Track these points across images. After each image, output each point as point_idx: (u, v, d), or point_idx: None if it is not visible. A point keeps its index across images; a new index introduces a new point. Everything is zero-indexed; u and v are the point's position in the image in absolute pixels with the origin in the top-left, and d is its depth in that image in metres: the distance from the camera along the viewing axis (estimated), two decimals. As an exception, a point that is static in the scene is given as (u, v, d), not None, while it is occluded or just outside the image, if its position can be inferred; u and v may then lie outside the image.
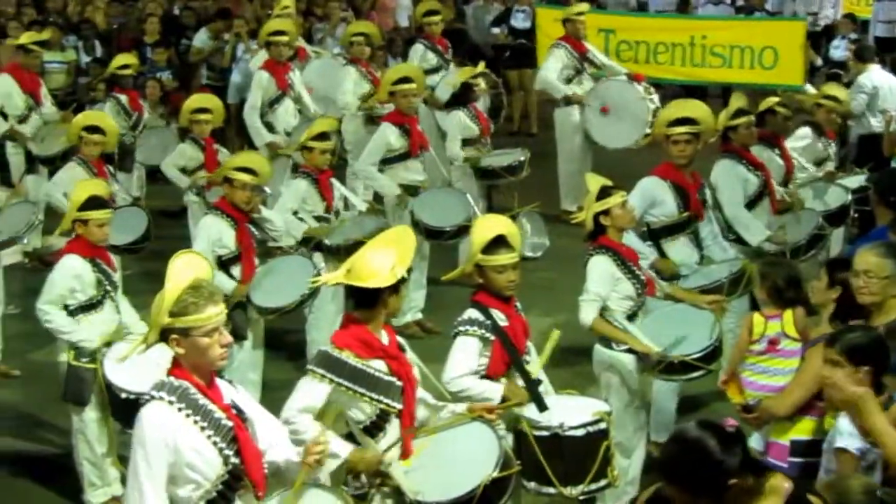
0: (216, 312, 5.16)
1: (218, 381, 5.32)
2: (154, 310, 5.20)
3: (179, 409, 5.10)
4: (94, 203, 8.41)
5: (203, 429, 5.12)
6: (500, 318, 6.90)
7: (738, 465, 4.55)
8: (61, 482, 8.76)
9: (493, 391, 6.77)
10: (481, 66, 13.40)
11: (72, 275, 8.30)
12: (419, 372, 6.46)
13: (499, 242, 6.88)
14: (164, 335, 5.19)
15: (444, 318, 9.91)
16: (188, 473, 5.11)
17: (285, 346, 10.66)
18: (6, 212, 10.76)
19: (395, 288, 6.05)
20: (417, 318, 11.29)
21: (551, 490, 6.75)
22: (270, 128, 13.36)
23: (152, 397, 5.16)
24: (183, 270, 5.22)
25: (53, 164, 12.57)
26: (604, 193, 7.95)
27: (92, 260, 8.36)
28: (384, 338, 6.17)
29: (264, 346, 9.82)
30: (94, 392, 8.24)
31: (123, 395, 7.74)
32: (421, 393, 6.45)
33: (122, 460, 8.21)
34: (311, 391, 6.06)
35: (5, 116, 13.27)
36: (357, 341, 6.09)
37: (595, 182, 8.02)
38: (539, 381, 6.99)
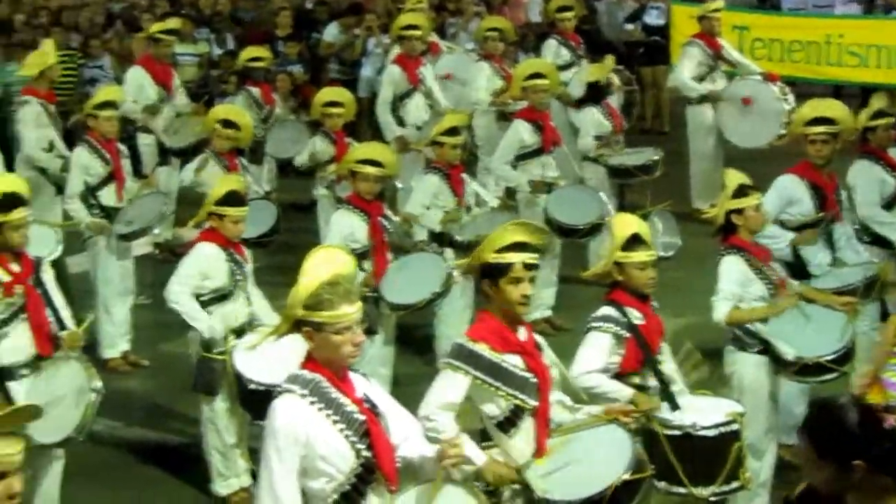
0: (350, 311, 5.14)
1: (351, 374, 5.31)
2: (289, 301, 5.20)
3: (312, 403, 5.11)
4: (231, 199, 8.46)
5: (335, 422, 5.12)
6: (636, 316, 6.85)
7: (874, 454, 4.44)
8: (190, 472, 8.86)
9: (623, 393, 6.72)
10: (612, 62, 13.31)
11: (205, 260, 8.38)
12: (558, 373, 6.42)
13: (637, 240, 6.84)
14: (298, 327, 5.21)
15: (575, 315, 9.86)
16: (321, 466, 5.11)
17: (415, 342, 10.66)
18: (138, 202, 10.89)
19: (517, 279, 5.99)
20: (547, 315, 11.24)
21: (681, 490, 6.70)
22: (401, 122, 13.42)
23: (285, 390, 5.16)
24: (322, 264, 5.22)
25: (185, 155, 12.71)
26: (740, 192, 7.85)
27: (225, 249, 8.44)
28: (521, 334, 6.14)
29: (395, 341, 9.88)
30: (224, 383, 8.32)
31: (252, 387, 7.79)
32: (558, 395, 6.40)
33: (252, 452, 8.30)
34: (451, 386, 6.01)
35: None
36: (493, 335, 6.03)
37: (734, 178, 7.92)
38: (672, 380, 6.94)
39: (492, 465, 5.93)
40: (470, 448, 5.84)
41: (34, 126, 12.44)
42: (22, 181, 8.11)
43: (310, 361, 5.21)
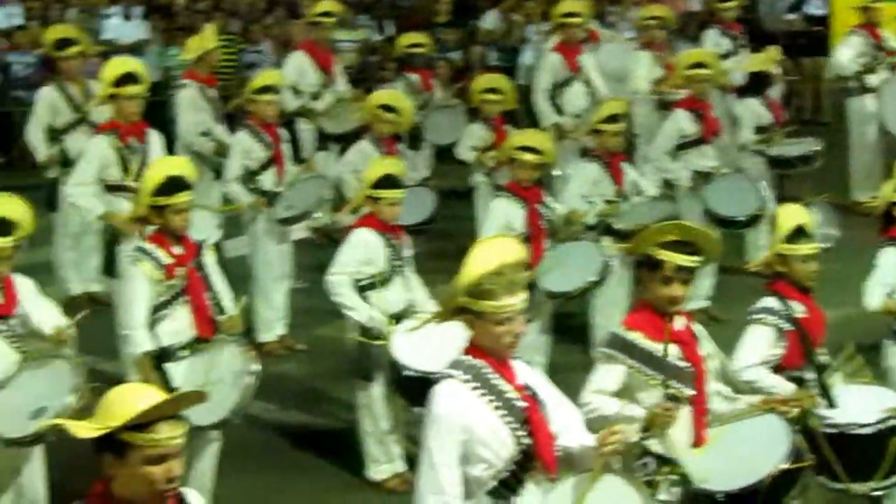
0: (512, 303, 5.10)
1: (514, 361, 5.28)
2: (452, 287, 5.20)
3: (474, 388, 5.09)
4: (387, 182, 8.48)
5: (497, 408, 5.09)
6: (799, 309, 6.76)
7: None
8: (345, 457, 8.89)
9: (784, 387, 6.61)
10: (776, 53, 13.11)
11: (364, 247, 8.40)
12: (718, 363, 6.34)
13: (801, 232, 6.74)
14: (459, 314, 5.19)
15: (732, 306, 9.72)
16: (480, 452, 5.09)
17: (570, 330, 10.61)
18: (298, 187, 10.99)
19: (668, 278, 5.92)
20: (704, 305, 11.11)
21: (839, 486, 6.62)
22: (559, 110, 13.35)
23: (447, 376, 5.16)
24: (491, 253, 5.18)
25: (345, 141, 12.78)
26: (904, 184, 7.73)
27: (382, 234, 8.47)
28: (678, 323, 6.06)
29: (551, 330, 9.83)
30: (381, 369, 8.35)
31: (408, 373, 7.82)
32: (717, 385, 6.32)
33: (408, 438, 8.35)
34: (607, 374, 6.02)
35: (298, 93, 13.56)
36: (648, 324, 6.00)
37: None
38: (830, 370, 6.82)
39: (656, 409, 5.92)
40: (629, 407, 5.94)
41: (191, 110, 12.61)
42: (189, 165, 8.20)
43: (472, 348, 5.20)
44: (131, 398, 4.31)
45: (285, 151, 11.29)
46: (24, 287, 7.11)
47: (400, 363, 7.89)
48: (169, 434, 4.29)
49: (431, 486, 5.09)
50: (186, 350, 7.62)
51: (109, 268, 9.68)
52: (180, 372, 7.52)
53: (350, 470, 8.79)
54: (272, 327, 11.10)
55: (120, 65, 10.08)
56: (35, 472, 7.04)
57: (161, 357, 7.56)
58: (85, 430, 4.33)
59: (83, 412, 6.04)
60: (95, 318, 11.15)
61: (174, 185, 7.64)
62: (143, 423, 4.24)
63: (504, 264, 5.14)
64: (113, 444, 4.26)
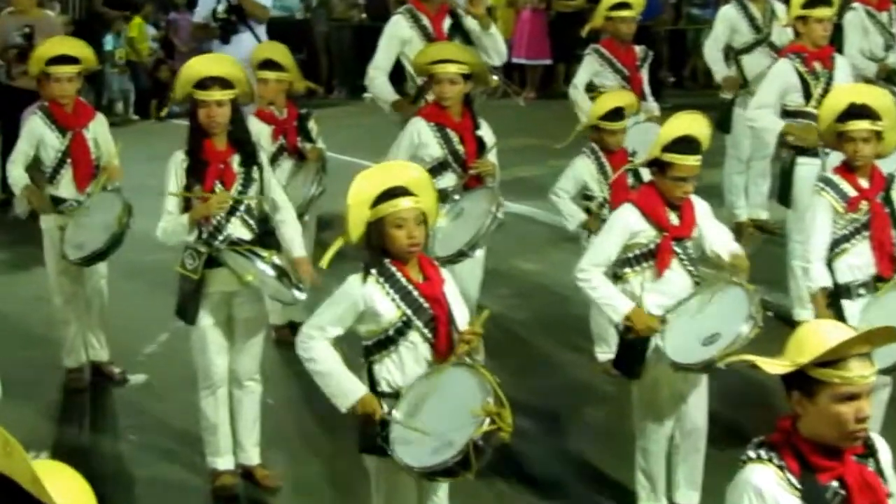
0: None
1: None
2: None
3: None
4: None
5: None
6: None
7: None
8: None
9: None
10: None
11: None
12: None
13: None
14: None
15: None
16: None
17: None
18: None
19: None
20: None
21: None
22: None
23: None
24: None
25: None
26: None
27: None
28: None
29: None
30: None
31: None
32: None
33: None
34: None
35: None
36: None
37: None
38: None
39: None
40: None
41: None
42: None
43: None
44: (823, 333, 4.22)
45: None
46: (701, 209, 7.16)
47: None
48: (860, 372, 4.17)
49: None
50: (864, 288, 7.41)
51: (784, 196, 9.59)
52: (856, 310, 7.32)
53: None
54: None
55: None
56: (699, 401, 7.09)
57: (837, 293, 7.39)
58: (772, 365, 4.29)
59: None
60: (761, 246, 11.30)
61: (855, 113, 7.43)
62: (833, 359, 4.13)
63: None
64: (802, 380, 4.19)
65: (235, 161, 7.35)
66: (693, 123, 6.98)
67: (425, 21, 9.66)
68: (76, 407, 8.98)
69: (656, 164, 6.91)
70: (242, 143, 7.40)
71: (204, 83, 7.16)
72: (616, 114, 8.91)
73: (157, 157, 8.20)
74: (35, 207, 8.99)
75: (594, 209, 8.89)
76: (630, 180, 8.67)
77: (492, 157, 8.58)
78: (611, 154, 8.90)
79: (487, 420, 5.46)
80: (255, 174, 7.38)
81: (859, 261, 7.39)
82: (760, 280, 9.09)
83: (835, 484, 4.23)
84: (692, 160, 6.82)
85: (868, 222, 7.39)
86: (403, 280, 5.78)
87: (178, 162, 7.28)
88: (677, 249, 6.92)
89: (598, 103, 9.06)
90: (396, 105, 9.66)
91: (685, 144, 6.81)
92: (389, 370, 5.84)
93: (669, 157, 6.80)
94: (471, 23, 9.69)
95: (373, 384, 5.86)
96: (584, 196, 9.00)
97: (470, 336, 5.80)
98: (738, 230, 10.97)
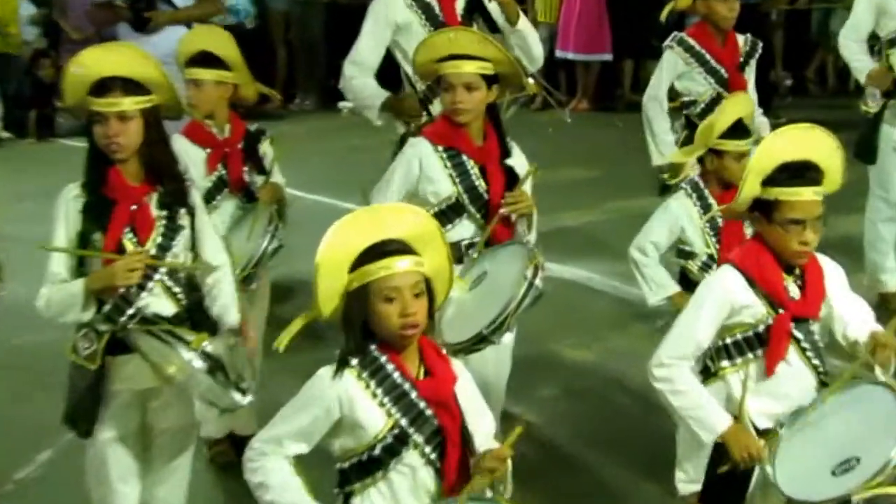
0: None
1: None
2: None
3: None
4: None
5: None
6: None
7: None
8: None
9: None
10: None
11: None
12: None
13: None
14: None
15: None
16: None
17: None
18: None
19: None
20: None
21: None
22: None
23: None
24: None
25: None
26: None
27: None
28: None
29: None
30: None
31: None
32: None
33: None
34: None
35: None
36: None
37: None
38: None
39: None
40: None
41: None
42: None
43: None
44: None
45: None
46: (833, 275, 7.20)
47: None
48: None
49: None
50: None
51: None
52: None
53: None
54: None
55: None
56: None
57: None
58: None
59: None
60: None
61: None
62: None
63: None
64: None
65: (154, 201, 7.19)
66: (810, 142, 6.73)
67: (430, -2, 9.52)
68: None
69: (759, 208, 6.72)
70: (164, 174, 7.22)
71: (103, 86, 7.01)
72: (739, 129, 8.69)
73: (38, 193, 8.22)
74: None
75: (694, 272, 8.68)
76: (748, 230, 8.11)
77: (527, 188, 8.39)
78: (725, 191, 8.59)
79: None
80: (184, 220, 7.25)
81: None
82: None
83: None
84: (809, 193, 6.56)
85: None
86: (396, 375, 5.74)
87: (68, 201, 7.08)
88: (798, 334, 6.81)
89: (719, 114, 8.76)
90: (390, 104, 9.59)
91: (796, 173, 6.56)
92: None
93: (776, 191, 6.61)
94: (494, 8, 9.65)
95: None
96: (678, 253, 8.83)
97: (494, 463, 5.75)
98: (885, 303, 10.99)
